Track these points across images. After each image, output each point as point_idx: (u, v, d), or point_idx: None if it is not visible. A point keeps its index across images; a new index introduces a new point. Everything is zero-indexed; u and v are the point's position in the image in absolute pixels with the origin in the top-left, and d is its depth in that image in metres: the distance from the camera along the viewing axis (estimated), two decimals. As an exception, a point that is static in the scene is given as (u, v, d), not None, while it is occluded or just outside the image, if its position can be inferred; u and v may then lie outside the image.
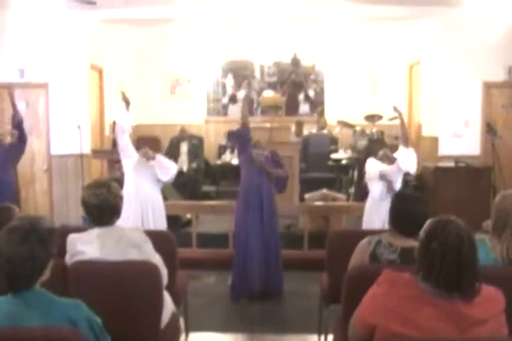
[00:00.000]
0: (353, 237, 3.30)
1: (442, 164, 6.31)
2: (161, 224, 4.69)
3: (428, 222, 1.83)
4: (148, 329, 2.50)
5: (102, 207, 2.57)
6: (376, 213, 4.51)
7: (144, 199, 4.63)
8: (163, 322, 2.66)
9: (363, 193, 5.29)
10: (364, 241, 2.57)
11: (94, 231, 2.59)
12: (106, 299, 2.38)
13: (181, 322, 3.14)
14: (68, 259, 2.57)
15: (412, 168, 4.70)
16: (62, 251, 2.55)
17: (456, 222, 1.79)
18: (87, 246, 2.52)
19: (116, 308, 2.40)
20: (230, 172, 7.54)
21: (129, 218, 4.25)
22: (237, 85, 9.27)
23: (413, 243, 2.32)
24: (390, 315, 1.74)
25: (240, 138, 4.69)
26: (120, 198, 2.67)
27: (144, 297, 2.48)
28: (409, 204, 2.52)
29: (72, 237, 2.58)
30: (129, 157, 4.70)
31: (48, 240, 1.81)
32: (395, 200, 2.62)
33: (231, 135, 5.19)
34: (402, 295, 1.76)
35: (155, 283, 2.50)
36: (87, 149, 6.64)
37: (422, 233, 1.82)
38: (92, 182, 2.75)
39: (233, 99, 9.25)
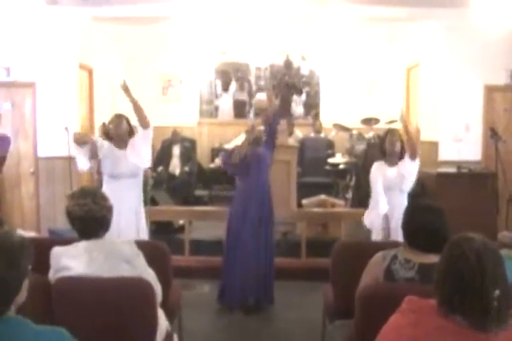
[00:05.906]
0: (360, 248, 3.15)
1: (444, 170, 6.07)
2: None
3: (445, 247, 1.60)
4: (141, 352, 2.28)
5: (87, 218, 2.33)
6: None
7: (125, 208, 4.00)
8: (157, 342, 2.44)
9: (360, 199, 5.06)
10: (378, 256, 2.29)
11: (81, 245, 2.34)
12: (94, 320, 2.16)
13: (175, 339, 2.91)
14: (52, 275, 2.33)
15: (408, 187, 4.20)
16: (46, 266, 2.31)
17: (474, 239, 1.54)
18: (73, 260, 2.27)
19: (105, 330, 2.17)
20: (223, 176, 7.31)
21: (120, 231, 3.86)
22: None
23: (433, 259, 2.06)
24: None
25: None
26: (107, 209, 2.41)
27: (137, 317, 2.24)
28: (426, 216, 2.24)
29: (56, 251, 2.34)
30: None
31: (19, 257, 1.54)
32: (409, 213, 2.32)
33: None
34: (431, 327, 1.51)
35: (148, 301, 2.26)
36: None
37: (439, 260, 1.60)
38: (76, 190, 2.49)
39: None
